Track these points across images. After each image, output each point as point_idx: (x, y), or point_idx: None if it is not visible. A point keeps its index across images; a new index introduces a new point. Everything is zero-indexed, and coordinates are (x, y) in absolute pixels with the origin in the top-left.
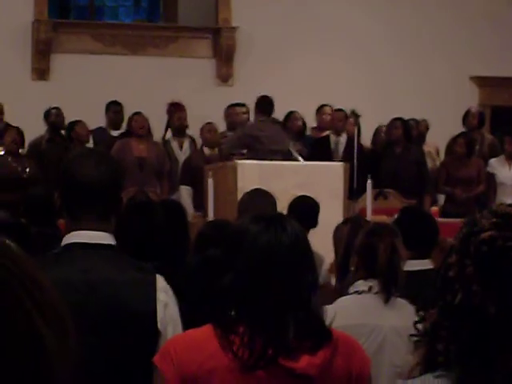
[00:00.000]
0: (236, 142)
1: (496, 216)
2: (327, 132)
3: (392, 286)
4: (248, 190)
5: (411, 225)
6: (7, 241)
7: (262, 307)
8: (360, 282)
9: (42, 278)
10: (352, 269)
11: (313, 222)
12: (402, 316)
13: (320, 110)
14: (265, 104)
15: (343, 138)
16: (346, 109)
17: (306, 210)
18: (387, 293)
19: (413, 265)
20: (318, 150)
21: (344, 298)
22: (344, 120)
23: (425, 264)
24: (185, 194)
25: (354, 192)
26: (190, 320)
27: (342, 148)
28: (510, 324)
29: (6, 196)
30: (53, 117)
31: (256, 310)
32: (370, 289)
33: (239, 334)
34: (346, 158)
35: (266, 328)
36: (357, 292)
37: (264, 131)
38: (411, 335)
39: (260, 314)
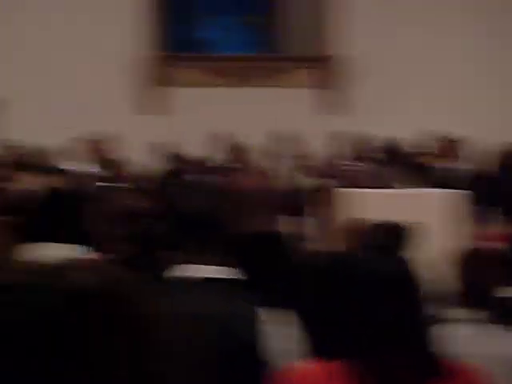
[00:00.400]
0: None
1: None
2: (435, 158)
3: (502, 316)
4: (360, 220)
5: None
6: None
7: (378, 343)
8: (468, 310)
9: (154, 315)
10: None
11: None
12: (506, 346)
13: (430, 137)
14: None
15: (453, 165)
16: (457, 136)
17: (390, 235)
18: (498, 323)
19: None
20: (426, 177)
21: (455, 326)
22: (454, 147)
23: None
24: (298, 225)
25: (472, 218)
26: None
27: (452, 175)
28: None
29: (119, 229)
30: (165, 151)
31: (372, 347)
32: (480, 318)
33: (357, 374)
34: (458, 184)
35: (383, 368)
36: (466, 320)
37: (362, 170)
38: None
39: (377, 352)
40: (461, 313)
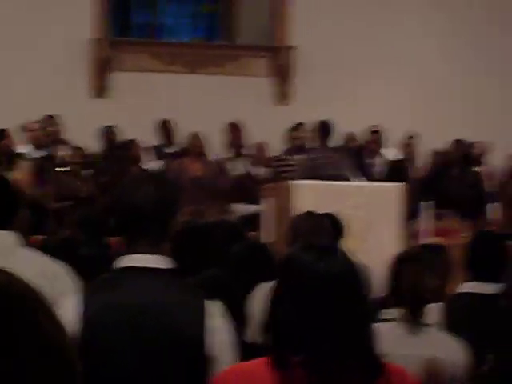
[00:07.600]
0: (301, 176)
1: None
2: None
3: (417, 315)
4: (300, 213)
5: (483, 249)
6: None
7: (317, 344)
8: (390, 309)
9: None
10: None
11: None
12: (427, 346)
13: (371, 130)
14: (324, 130)
15: (379, 159)
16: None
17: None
18: (412, 322)
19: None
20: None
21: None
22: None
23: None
24: (238, 213)
25: (410, 213)
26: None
27: (378, 169)
28: None
29: (61, 208)
30: (106, 135)
31: (310, 348)
32: (399, 317)
33: (297, 374)
34: (386, 178)
35: (324, 368)
36: (386, 320)
37: (325, 159)
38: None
39: (317, 354)
40: (387, 311)
